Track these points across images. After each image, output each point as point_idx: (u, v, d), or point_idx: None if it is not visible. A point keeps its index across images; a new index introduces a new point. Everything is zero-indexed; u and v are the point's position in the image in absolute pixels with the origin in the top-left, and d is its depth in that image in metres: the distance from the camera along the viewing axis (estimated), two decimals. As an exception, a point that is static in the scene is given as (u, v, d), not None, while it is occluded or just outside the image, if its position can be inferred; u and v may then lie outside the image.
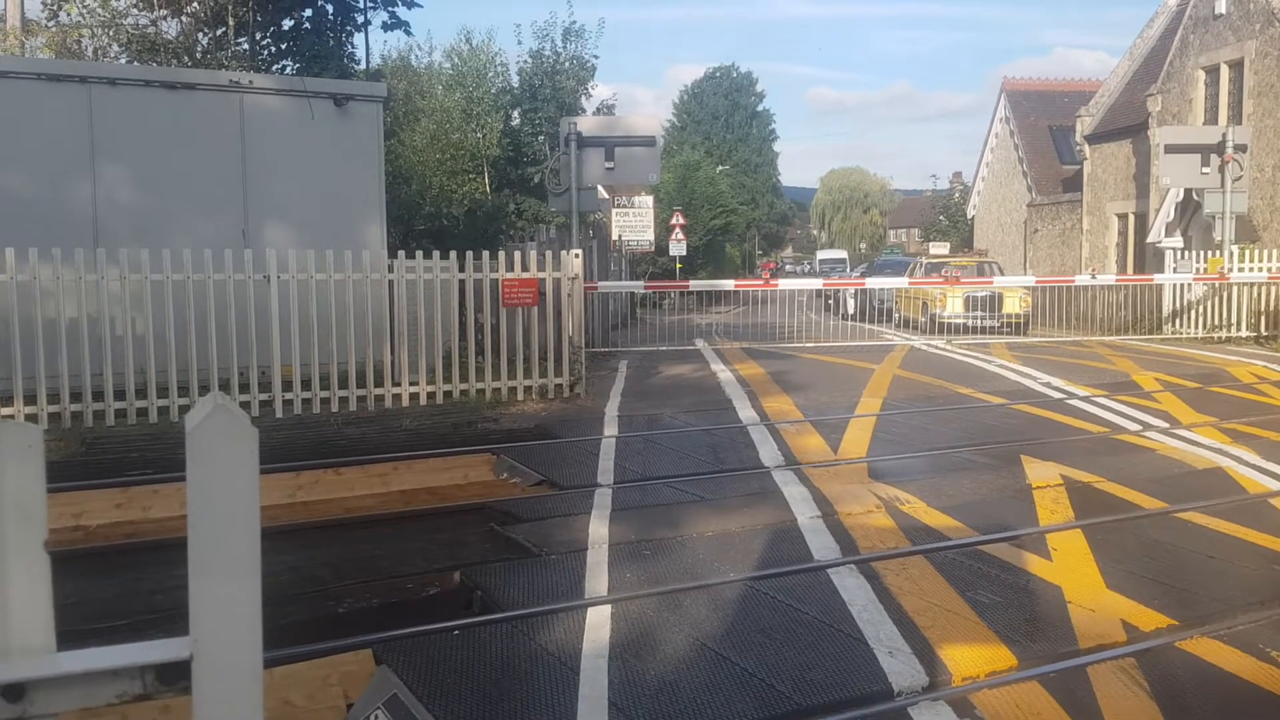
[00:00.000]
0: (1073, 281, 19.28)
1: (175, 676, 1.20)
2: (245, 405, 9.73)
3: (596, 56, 27.40)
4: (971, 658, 4.10)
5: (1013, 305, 20.72)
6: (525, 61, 27.45)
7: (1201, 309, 16.77)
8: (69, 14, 16.71)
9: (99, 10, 16.35)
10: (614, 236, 24.59)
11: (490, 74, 27.64)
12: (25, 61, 13.30)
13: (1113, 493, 6.80)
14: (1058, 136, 35.52)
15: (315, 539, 6.07)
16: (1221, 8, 22.63)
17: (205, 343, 9.42)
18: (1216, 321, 16.50)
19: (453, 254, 10.70)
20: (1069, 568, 5.22)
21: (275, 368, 9.77)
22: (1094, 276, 19.43)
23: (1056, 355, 14.36)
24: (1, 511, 1.16)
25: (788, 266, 75.20)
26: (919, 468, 7.66)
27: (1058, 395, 10.79)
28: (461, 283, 10.83)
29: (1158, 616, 4.56)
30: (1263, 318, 15.96)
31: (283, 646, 4.15)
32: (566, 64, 26.79)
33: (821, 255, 69.72)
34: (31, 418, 8.87)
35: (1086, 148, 29.68)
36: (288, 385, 9.83)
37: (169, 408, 9.44)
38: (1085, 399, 10.49)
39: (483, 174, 24.31)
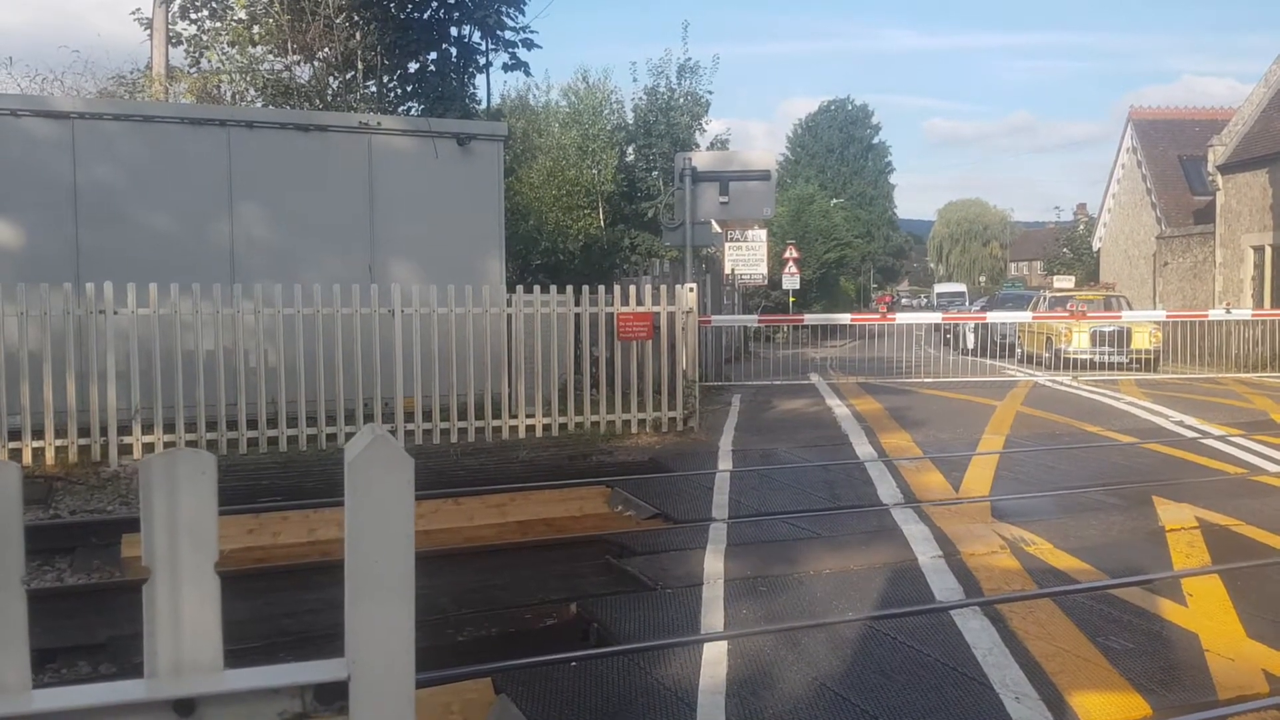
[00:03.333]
0: (1206, 316, 18.52)
1: (333, 696, 1.26)
2: (369, 435, 10.00)
3: (710, 92, 27.62)
4: (1103, 706, 3.95)
5: (1142, 340, 19.99)
6: (640, 98, 27.80)
7: (1347, 345, 15.94)
8: (209, 61, 17.64)
9: (237, 57, 17.22)
10: (727, 270, 24.57)
11: (606, 111, 28.09)
12: (169, 106, 14.05)
13: (1252, 536, 6.49)
14: (1188, 166, 34.25)
15: (435, 567, 6.18)
16: (1366, 30, 21.62)
17: (333, 374, 9.76)
18: (1364, 358, 15.66)
19: (569, 288, 10.87)
20: (1206, 614, 5.00)
21: (398, 399, 10.05)
22: (1229, 311, 18.63)
23: (1189, 393, 13.80)
24: (176, 535, 1.24)
25: (904, 300, 74.11)
26: (1045, 508, 7.44)
27: (1191, 434, 10.37)
28: (577, 316, 10.98)
29: (1305, 669, 4.33)
30: None
31: (407, 672, 4.24)
32: (681, 100, 27.04)
33: (939, 288, 68.42)
34: (170, 445, 9.29)
35: (1219, 178, 28.55)
36: (409, 416, 10.09)
37: (298, 437, 9.78)
38: (1221, 438, 10.05)
39: (598, 209, 24.67)
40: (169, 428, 9.38)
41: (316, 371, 9.76)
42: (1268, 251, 26.40)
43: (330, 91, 17.29)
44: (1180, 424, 10.97)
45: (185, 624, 1.28)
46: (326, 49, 16.92)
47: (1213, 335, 18.27)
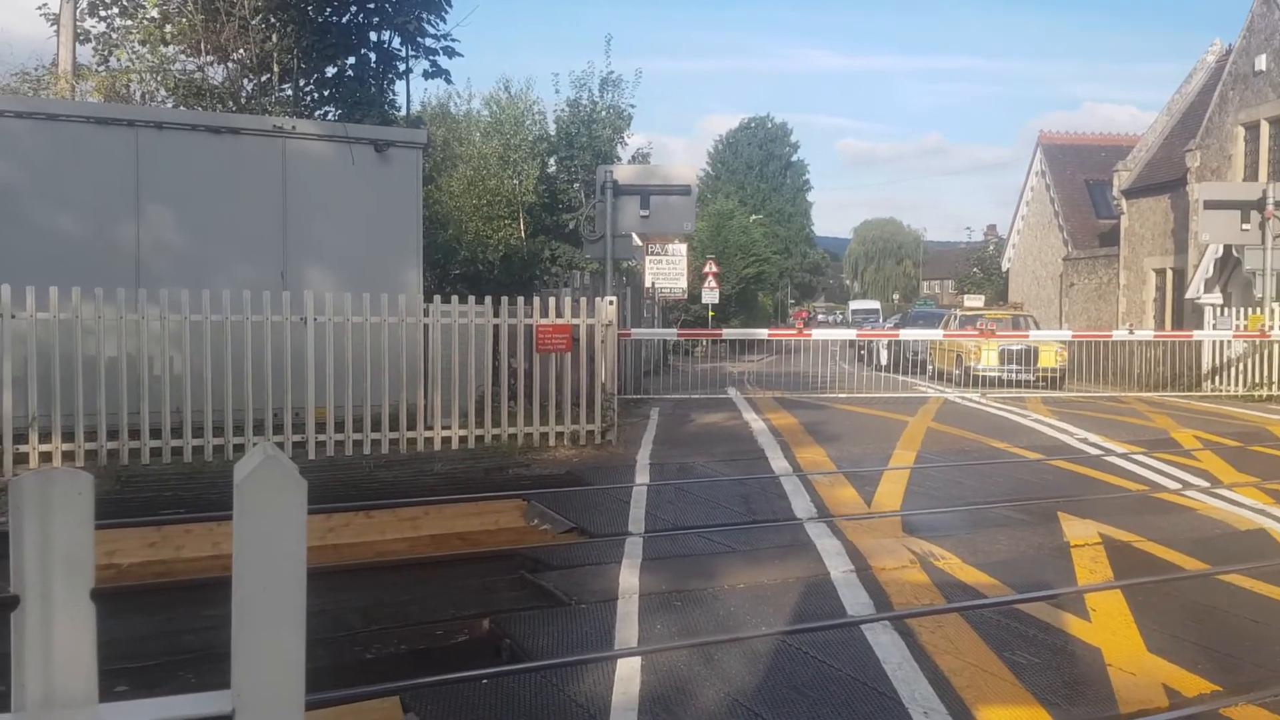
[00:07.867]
0: (1110, 336, 19.08)
1: (216, 731, 1.19)
2: (278, 446, 9.78)
3: (633, 106, 27.74)
4: (1009, 721, 4.01)
5: (1048, 359, 20.53)
6: (562, 110, 27.80)
7: (1242, 366, 16.52)
8: (119, 59, 17.12)
9: (148, 56, 16.74)
10: (647, 283, 24.66)
11: (528, 121, 28.01)
12: (75, 105, 13.60)
13: (1153, 552, 6.67)
14: (1094, 190, 35.36)
15: (344, 583, 6.06)
16: (1261, 65, 22.55)
17: (241, 383, 9.51)
18: (1257, 379, 16.24)
19: (488, 299, 10.77)
20: (1109, 629, 5.11)
21: (309, 409, 9.83)
22: (1131, 331, 19.20)
23: (1093, 411, 14.19)
24: (49, 560, 1.16)
25: (820, 316, 75.11)
26: (954, 523, 7.55)
27: (1095, 451, 10.64)
28: (496, 327, 10.88)
29: (1201, 682, 4.44)
30: (1305, 376, 15.69)
31: (309, 692, 4.13)
32: (603, 113, 27.09)
33: (854, 305, 69.61)
34: (68, 454, 8.96)
35: (1124, 202, 29.52)
36: (321, 427, 9.88)
37: (204, 447, 9.51)
38: (1123, 456, 10.34)
39: (518, 220, 24.55)
40: (68, 436, 9.04)
41: (224, 380, 9.50)
42: (1168, 274, 27.35)
43: (245, 94, 16.92)
44: (1085, 441, 11.25)
45: (57, 654, 1.19)
46: (241, 50, 16.55)
47: (1117, 355, 18.82)
